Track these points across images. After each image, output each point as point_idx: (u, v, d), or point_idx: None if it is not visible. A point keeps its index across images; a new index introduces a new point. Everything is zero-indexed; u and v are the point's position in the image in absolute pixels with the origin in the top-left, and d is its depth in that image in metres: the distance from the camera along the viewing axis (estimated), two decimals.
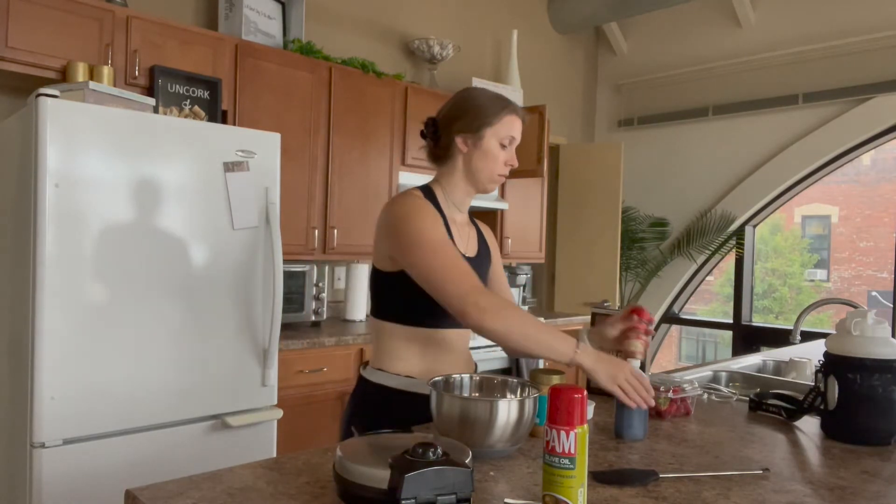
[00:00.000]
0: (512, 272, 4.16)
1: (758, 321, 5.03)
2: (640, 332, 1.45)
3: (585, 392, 0.93)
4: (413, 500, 0.87)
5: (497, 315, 1.28)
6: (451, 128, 1.49)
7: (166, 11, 3.02)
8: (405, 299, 1.43)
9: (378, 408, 1.44)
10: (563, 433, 0.90)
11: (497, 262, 1.67)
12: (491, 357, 3.53)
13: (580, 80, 5.39)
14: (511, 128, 1.49)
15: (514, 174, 4.09)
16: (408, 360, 1.45)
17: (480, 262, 1.55)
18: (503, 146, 1.49)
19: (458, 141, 1.49)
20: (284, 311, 2.90)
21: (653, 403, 1.33)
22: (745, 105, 4.62)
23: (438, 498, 0.89)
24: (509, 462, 1.18)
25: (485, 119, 1.47)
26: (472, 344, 3.39)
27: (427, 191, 1.52)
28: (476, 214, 4.09)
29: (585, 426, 0.92)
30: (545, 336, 1.30)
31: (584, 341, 1.47)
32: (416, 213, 1.39)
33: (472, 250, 1.55)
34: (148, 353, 2.10)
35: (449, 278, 1.31)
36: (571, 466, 0.90)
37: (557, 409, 0.91)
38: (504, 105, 1.49)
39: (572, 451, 0.90)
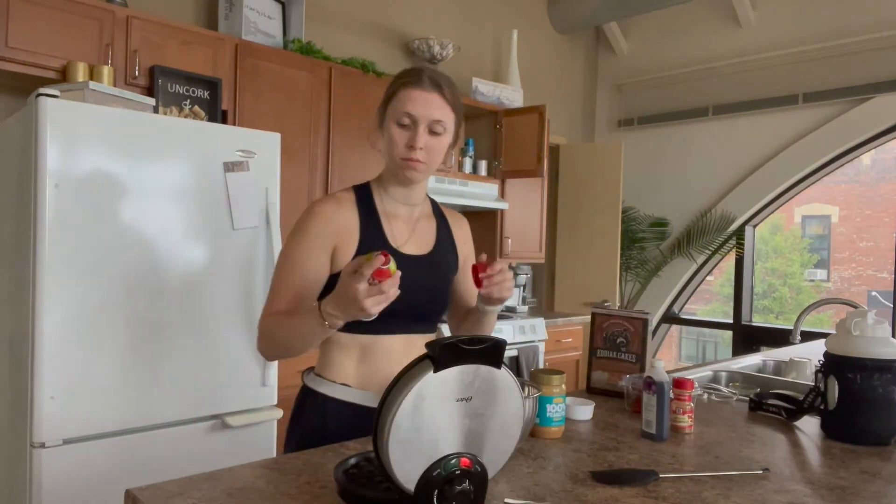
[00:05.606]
0: (512, 272, 4.15)
1: (758, 321, 5.03)
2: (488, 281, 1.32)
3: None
4: None
5: (259, 344, 1.31)
6: None
7: (166, 11, 3.02)
8: None
9: (313, 414, 1.37)
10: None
11: (471, 257, 1.54)
12: None
13: (580, 80, 5.39)
14: (405, 102, 1.27)
15: (514, 174, 4.09)
16: (345, 367, 1.35)
17: (435, 260, 1.41)
18: (402, 125, 1.29)
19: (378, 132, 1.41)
20: None
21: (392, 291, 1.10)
22: (745, 105, 4.61)
23: None
24: (509, 462, 1.18)
25: (383, 101, 1.33)
26: None
27: (362, 188, 1.43)
28: (476, 214, 4.09)
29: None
30: (296, 329, 1.23)
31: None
32: (301, 222, 1.34)
33: (424, 247, 1.40)
34: (148, 353, 2.10)
35: (268, 297, 1.33)
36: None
37: None
38: (398, 77, 1.30)
39: None
